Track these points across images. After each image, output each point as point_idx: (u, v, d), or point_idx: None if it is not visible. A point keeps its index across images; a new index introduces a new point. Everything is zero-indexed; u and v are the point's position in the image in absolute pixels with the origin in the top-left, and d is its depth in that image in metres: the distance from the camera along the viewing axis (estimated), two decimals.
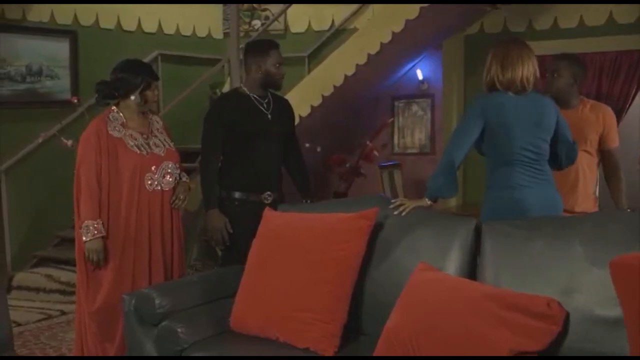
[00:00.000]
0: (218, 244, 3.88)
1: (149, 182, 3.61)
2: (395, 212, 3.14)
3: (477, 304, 2.46)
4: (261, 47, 4.00)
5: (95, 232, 3.47)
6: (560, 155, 3.47)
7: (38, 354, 4.37)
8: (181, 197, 3.73)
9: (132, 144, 3.59)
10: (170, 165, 3.69)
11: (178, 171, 3.74)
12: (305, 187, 4.20)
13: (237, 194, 3.91)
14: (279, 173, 4.07)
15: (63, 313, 5.24)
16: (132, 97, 3.63)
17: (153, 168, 3.62)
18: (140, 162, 3.58)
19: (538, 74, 3.38)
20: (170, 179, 3.69)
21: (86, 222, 3.48)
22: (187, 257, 5.55)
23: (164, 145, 3.72)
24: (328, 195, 6.71)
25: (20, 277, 5.82)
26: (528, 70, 3.31)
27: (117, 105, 3.67)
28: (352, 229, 2.95)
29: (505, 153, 3.29)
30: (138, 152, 3.59)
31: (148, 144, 3.66)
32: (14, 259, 6.02)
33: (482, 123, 3.28)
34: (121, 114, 3.65)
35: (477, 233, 2.88)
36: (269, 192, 3.93)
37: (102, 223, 3.51)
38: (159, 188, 3.64)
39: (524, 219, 2.98)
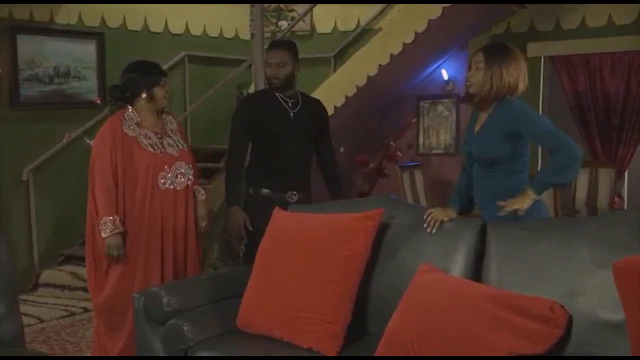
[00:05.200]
0: (237, 239, 3.90)
1: (162, 181, 3.62)
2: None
3: (478, 305, 2.43)
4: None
5: (113, 227, 3.51)
6: None
7: (58, 350, 4.43)
8: (203, 225, 3.80)
9: (146, 142, 3.62)
10: (183, 166, 3.70)
11: (191, 171, 3.75)
12: (334, 188, 4.19)
13: (263, 191, 3.94)
14: (305, 173, 4.05)
15: (86, 310, 5.29)
16: (143, 95, 3.67)
17: (166, 167, 3.63)
18: (154, 161, 3.60)
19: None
20: (183, 179, 3.70)
21: (104, 218, 3.51)
22: (208, 256, 5.57)
23: (177, 145, 3.74)
24: (352, 196, 6.70)
25: (47, 275, 5.93)
26: None
27: (132, 105, 3.70)
28: (357, 229, 2.92)
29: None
30: (152, 151, 3.62)
31: (162, 143, 3.68)
32: (40, 257, 6.12)
33: None
34: (136, 114, 3.68)
35: (482, 235, 2.84)
36: (293, 192, 3.93)
37: (119, 219, 3.54)
38: (172, 187, 3.66)
39: (529, 221, 2.92)
